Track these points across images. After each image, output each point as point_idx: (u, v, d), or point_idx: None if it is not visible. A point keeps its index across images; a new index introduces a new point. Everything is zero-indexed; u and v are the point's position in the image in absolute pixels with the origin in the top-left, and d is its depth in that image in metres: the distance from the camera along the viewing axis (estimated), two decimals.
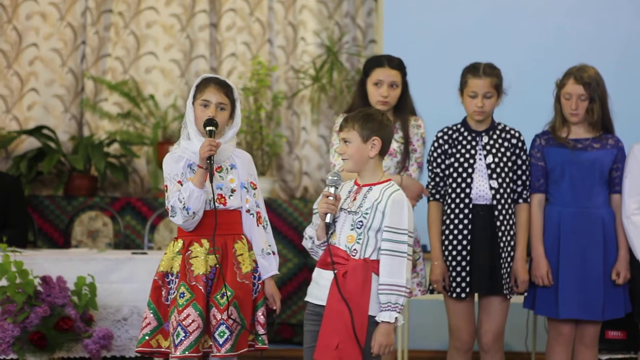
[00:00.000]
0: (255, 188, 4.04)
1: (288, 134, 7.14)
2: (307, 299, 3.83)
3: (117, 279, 5.09)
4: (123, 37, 7.15)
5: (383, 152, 3.74)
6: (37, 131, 6.93)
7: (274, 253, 4.04)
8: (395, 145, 4.60)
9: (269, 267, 4.02)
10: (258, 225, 4.02)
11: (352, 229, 3.71)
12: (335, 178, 3.73)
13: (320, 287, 3.75)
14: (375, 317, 3.66)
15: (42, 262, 5.07)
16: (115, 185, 7.09)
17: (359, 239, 3.70)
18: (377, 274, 3.67)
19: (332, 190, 3.73)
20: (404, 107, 4.65)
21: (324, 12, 7.15)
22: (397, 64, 4.63)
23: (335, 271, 3.67)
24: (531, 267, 4.62)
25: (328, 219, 3.71)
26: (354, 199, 3.74)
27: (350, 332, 3.61)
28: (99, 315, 5.02)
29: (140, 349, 3.96)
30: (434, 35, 6.62)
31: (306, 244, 3.84)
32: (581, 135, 4.64)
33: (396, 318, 3.64)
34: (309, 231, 3.80)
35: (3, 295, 4.85)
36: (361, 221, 3.69)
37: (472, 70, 4.55)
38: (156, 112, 7.06)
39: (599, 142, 4.63)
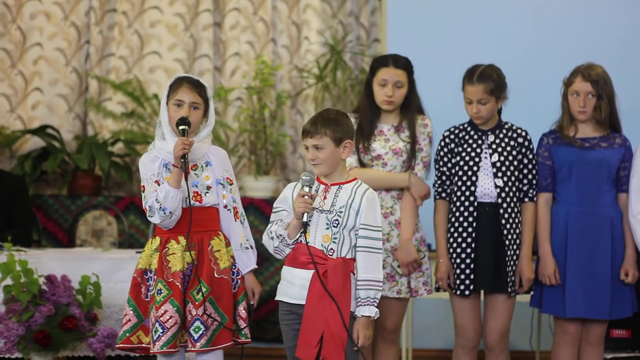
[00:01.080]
0: (232, 184, 4.10)
1: (292, 133, 7.14)
2: (280, 298, 3.87)
3: (122, 278, 5.10)
4: (127, 37, 7.15)
5: (357, 150, 3.85)
6: (41, 130, 6.93)
7: (252, 247, 4.12)
8: (401, 145, 4.61)
9: (248, 261, 4.10)
10: (236, 220, 4.09)
11: (327, 228, 3.79)
12: (309, 177, 3.79)
13: (294, 286, 3.81)
14: (354, 313, 3.76)
15: (47, 262, 5.08)
16: (119, 184, 7.10)
17: (335, 238, 3.78)
18: (353, 272, 3.78)
19: (306, 189, 3.79)
20: (410, 106, 4.65)
21: (328, 11, 7.15)
22: (402, 64, 4.63)
23: (317, 270, 3.73)
24: (538, 266, 4.62)
25: (305, 218, 3.77)
26: (324, 198, 3.81)
27: (332, 329, 3.70)
28: (103, 314, 5.03)
29: (121, 345, 4.04)
30: (437, 34, 6.62)
31: (270, 243, 3.87)
32: (588, 134, 4.63)
33: (375, 312, 3.76)
34: (278, 229, 3.83)
35: (8, 295, 4.85)
36: (337, 220, 3.77)
37: (468, 76, 4.58)
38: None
39: (607, 141, 4.62)
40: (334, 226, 3.78)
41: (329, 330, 3.71)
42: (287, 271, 3.87)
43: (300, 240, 3.80)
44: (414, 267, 4.58)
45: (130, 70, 7.14)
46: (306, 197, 3.77)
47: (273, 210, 3.92)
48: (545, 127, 4.73)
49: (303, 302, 3.77)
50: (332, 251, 3.78)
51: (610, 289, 4.55)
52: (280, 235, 3.83)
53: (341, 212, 3.77)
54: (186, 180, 3.95)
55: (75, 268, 5.05)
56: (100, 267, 5.08)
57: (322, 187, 3.84)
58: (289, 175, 7.16)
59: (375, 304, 3.75)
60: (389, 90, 4.59)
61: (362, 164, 4.58)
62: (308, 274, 3.77)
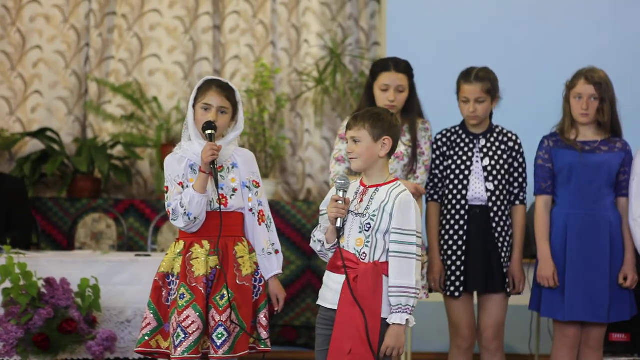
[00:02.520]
0: (258, 186, 4.03)
1: (291, 136, 7.15)
2: (319, 302, 3.80)
3: (121, 281, 5.10)
4: (127, 40, 7.15)
5: (391, 152, 3.72)
6: (40, 133, 6.93)
7: (277, 252, 4.02)
8: (402, 148, 4.62)
9: (270, 266, 4.01)
10: (260, 224, 4.01)
11: (360, 232, 3.68)
12: (343, 182, 3.70)
13: (331, 290, 3.72)
14: (387, 319, 3.64)
15: (46, 264, 5.08)
16: (118, 187, 7.10)
17: (367, 241, 3.67)
18: (387, 275, 3.65)
19: (340, 194, 3.70)
20: (411, 109, 4.67)
21: (327, 14, 7.15)
22: (404, 68, 4.64)
23: (347, 275, 3.65)
24: (537, 268, 4.63)
25: (338, 223, 3.69)
26: (361, 201, 3.71)
27: (363, 336, 3.59)
28: (102, 317, 5.03)
29: (139, 349, 3.96)
30: (437, 38, 6.62)
31: (315, 246, 3.81)
32: (589, 137, 4.64)
33: (407, 320, 3.62)
34: (318, 235, 3.77)
35: (7, 297, 4.85)
36: (369, 223, 3.67)
37: (465, 76, 4.64)
38: (159, 115, 7.07)
39: (607, 144, 4.63)
40: (367, 230, 3.67)
41: (359, 337, 3.60)
42: (326, 276, 3.78)
43: (337, 245, 3.72)
44: None
45: (130, 73, 7.14)
46: (339, 201, 3.68)
47: (320, 213, 3.83)
48: (545, 129, 4.74)
49: (336, 307, 3.67)
50: (364, 255, 3.66)
51: (609, 293, 4.55)
52: (320, 240, 3.76)
53: (374, 215, 3.66)
54: (216, 186, 3.88)
55: (74, 271, 5.05)
56: (99, 270, 5.08)
57: (361, 188, 3.75)
58: (289, 179, 7.16)
59: (409, 312, 3.61)
60: (391, 94, 4.59)
61: (350, 172, 4.57)
62: (342, 278, 3.67)
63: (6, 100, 7.09)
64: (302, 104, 7.16)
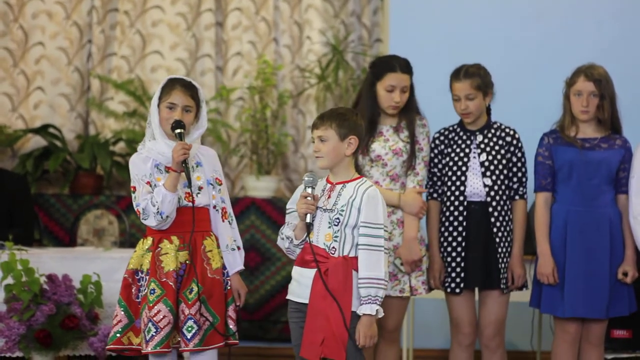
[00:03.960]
0: (221, 184, 4.11)
1: (293, 132, 7.15)
2: (288, 297, 3.90)
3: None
4: (129, 36, 7.15)
5: (356, 150, 3.84)
6: (43, 130, 6.94)
7: (239, 248, 4.11)
8: (401, 145, 4.63)
9: (234, 262, 4.09)
10: (223, 221, 4.09)
11: (329, 227, 3.79)
12: (312, 178, 3.81)
13: (300, 285, 3.83)
14: (356, 312, 3.74)
15: (48, 261, 5.09)
16: (121, 183, 7.10)
17: (336, 236, 3.78)
18: (356, 270, 3.76)
19: (309, 190, 3.80)
20: (410, 107, 4.68)
21: (330, 11, 7.15)
22: (408, 68, 4.66)
23: (319, 268, 3.74)
24: (537, 265, 4.64)
25: (308, 219, 3.79)
26: (329, 197, 3.82)
27: (334, 328, 3.69)
28: (104, 313, 5.04)
29: (111, 346, 4.03)
30: (439, 34, 6.62)
31: (282, 244, 3.92)
32: (589, 134, 4.64)
33: (377, 310, 3.73)
34: (286, 231, 3.88)
35: (9, 294, 4.86)
36: (338, 218, 3.77)
37: (454, 73, 4.68)
38: None
39: (607, 141, 4.63)
40: (335, 224, 3.78)
41: (330, 329, 3.71)
42: (295, 270, 3.89)
43: (306, 240, 3.81)
44: (417, 265, 4.60)
45: (132, 70, 7.15)
46: (308, 198, 3.79)
47: (286, 211, 3.94)
48: (546, 127, 4.74)
49: (307, 301, 3.78)
50: (334, 250, 3.78)
51: (608, 289, 4.56)
52: (288, 236, 3.86)
53: (343, 210, 3.77)
54: (189, 185, 3.96)
55: (76, 267, 5.06)
56: (101, 267, 5.09)
57: (328, 186, 3.86)
58: (291, 175, 7.16)
59: (378, 302, 3.73)
60: (397, 95, 4.61)
61: (357, 167, 4.58)
62: (312, 272, 3.78)
63: (8, 97, 7.10)
64: (304, 101, 7.16)
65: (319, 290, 3.74)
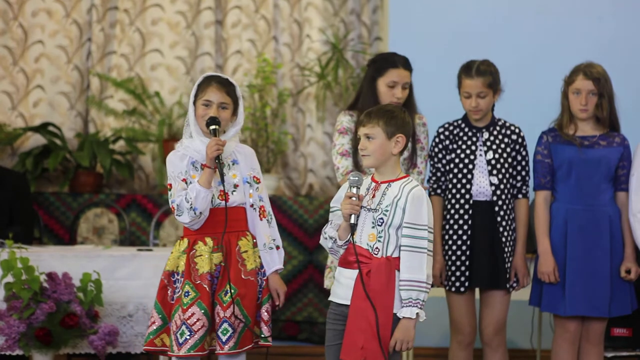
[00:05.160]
0: (259, 182, 4.05)
1: (293, 131, 7.15)
2: (331, 298, 3.81)
3: (123, 276, 5.10)
4: (128, 34, 7.15)
5: (404, 149, 3.74)
6: (42, 128, 6.94)
7: (278, 247, 4.05)
8: None
9: (272, 262, 4.03)
10: (261, 220, 4.03)
11: (372, 227, 3.69)
12: (357, 178, 3.70)
13: (342, 286, 3.73)
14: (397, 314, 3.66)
15: (48, 259, 5.08)
16: (120, 182, 7.10)
17: (380, 236, 3.68)
18: (399, 271, 3.66)
19: (354, 190, 3.70)
20: (410, 104, 4.69)
21: (330, 9, 7.15)
22: (409, 65, 4.66)
23: (360, 270, 3.65)
24: (537, 264, 4.63)
25: (353, 219, 3.69)
26: (373, 196, 3.73)
27: (375, 331, 3.61)
28: (104, 311, 5.03)
29: (146, 347, 3.99)
30: (439, 32, 6.62)
31: (326, 243, 3.81)
32: (588, 132, 4.64)
33: (417, 314, 3.64)
34: (330, 231, 3.78)
35: (9, 292, 4.86)
36: (382, 218, 3.68)
37: (466, 70, 4.62)
38: (161, 109, 7.07)
39: (606, 139, 4.63)
40: (379, 225, 3.68)
41: (371, 332, 3.62)
42: (338, 271, 3.80)
43: (350, 241, 3.72)
44: None
45: (132, 68, 7.15)
46: (353, 198, 3.69)
47: (330, 210, 3.85)
48: (544, 125, 4.74)
49: (348, 302, 3.69)
50: (377, 250, 3.68)
51: (609, 287, 4.56)
52: (332, 237, 3.76)
53: (387, 210, 3.67)
54: (222, 181, 3.90)
55: (76, 265, 5.05)
56: (101, 265, 5.08)
57: (373, 184, 3.76)
58: (291, 174, 7.16)
59: (419, 306, 3.63)
60: (399, 91, 4.61)
61: (357, 166, 4.57)
62: (354, 273, 3.68)
63: (8, 95, 7.09)
64: (304, 99, 7.16)
65: (360, 292, 3.65)
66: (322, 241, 3.83)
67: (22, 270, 4.85)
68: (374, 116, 3.70)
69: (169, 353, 3.91)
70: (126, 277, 5.11)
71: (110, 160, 6.78)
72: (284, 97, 6.99)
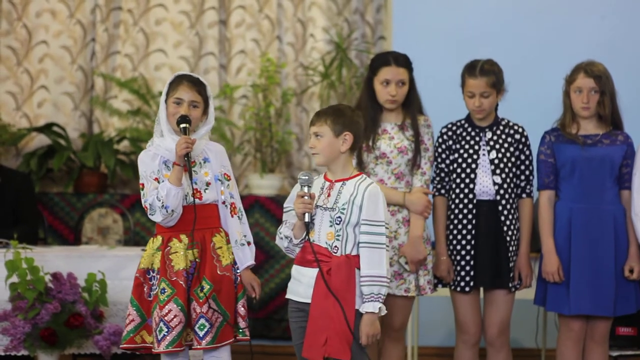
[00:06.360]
0: (229, 179, 4.10)
1: (297, 130, 7.15)
2: (288, 296, 3.89)
3: (128, 276, 5.09)
4: (132, 35, 7.16)
5: (353, 147, 3.82)
6: (47, 128, 6.95)
7: (249, 243, 4.10)
8: (406, 143, 4.61)
9: (244, 258, 4.08)
10: (232, 216, 4.08)
11: (330, 226, 3.78)
12: (307, 177, 3.79)
13: (302, 284, 3.81)
14: (359, 310, 3.73)
15: (53, 259, 5.09)
16: (125, 182, 7.11)
17: (338, 235, 3.76)
18: (359, 268, 3.75)
19: (305, 189, 3.78)
20: (412, 103, 4.66)
21: (333, 8, 7.15)
22: (403, 62, 4.62)
23: (320, 268, 3.73)
24: (541, 263, 4.63)
25: (306, 218, 3.78)
26: (329, 195, 3.81)
27: (338, 327, 3.68)
28: (109, 311, 5.04)
29: (125, 345, 4.03)
30: (442, 32, 6.61)
31: (281, 243, 3.90)
32: (591, 131, 4.64)
33: (379, 308, 3.72)
34: (285, 231, 3.86)
35: (14, 292, 4.86)
36: (339, 217, 3.76)
37: (469, 69, 4.61)
38: None
39: (609, 137, 4.62)
40: (337, 223, 3.77)
41: (334, 328, 3.70)
42: (295, 270, 3.88)
43: (306, 239, 3.80)
44: (422, 264, 4.59)
45: (136, 68, 7.15)
46: (305, 197, 3.77)
47: (283, 210, 3.94)
48: (548, 124, 4.73)
49: (310, 301, 3.77)
50: (336, 249, 3.77)
51: (614, 286, 4.55)
52: (287, 236, 3.85)
53: (344, 208, 3.76)
54: (190, 178, 3.96)
55: (81, 266, 5.06)
56: (106, 265, 5.09)
57: (327, 184, 3.84)
58: (295, 173, 7.16)
59: (380, 300, 3.73)
60: (393, 89, 4.59)
61: (361, 164, 4.57)
62: (314, 272, 3.77)
63: (12, 96, 7.10)
64: (308, 99, 7.16)
65: (321, 290, 3.73)
66: (277, 241, 3.92)
67: (27, 271, 4.86)
68: (322, 115, 3.80)
69: (154, 351, 3.95)
70: (131, 277, 5.06)
71: (114, 161, 6.79)
72: (288, 96, 6.99)
